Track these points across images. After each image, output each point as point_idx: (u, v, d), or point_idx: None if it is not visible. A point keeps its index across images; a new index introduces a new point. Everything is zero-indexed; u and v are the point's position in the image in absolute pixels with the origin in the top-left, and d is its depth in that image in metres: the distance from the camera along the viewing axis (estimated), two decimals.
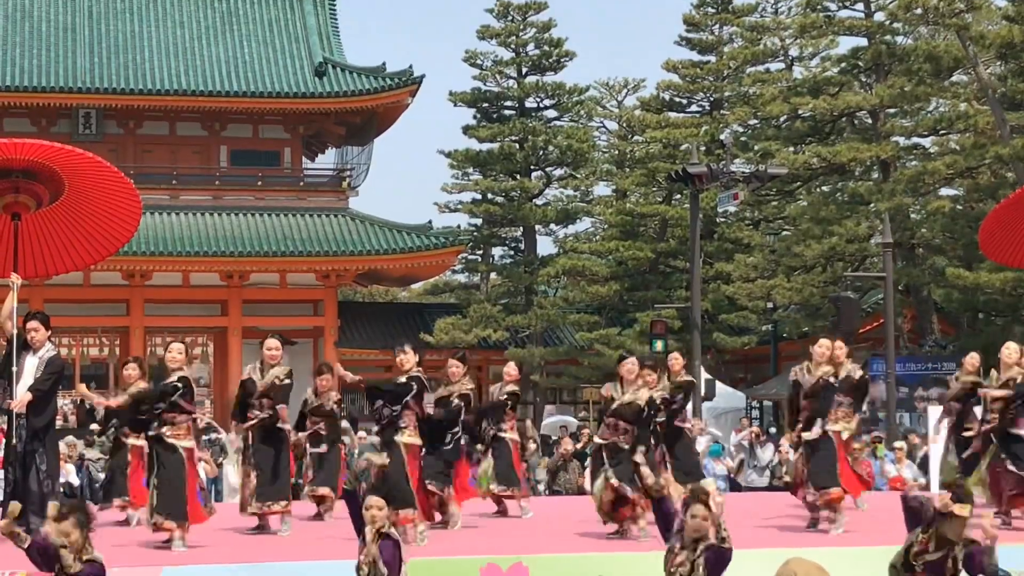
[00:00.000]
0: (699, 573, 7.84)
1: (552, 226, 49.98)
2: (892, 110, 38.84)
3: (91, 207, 12.57)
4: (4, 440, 12.03)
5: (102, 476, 16.92)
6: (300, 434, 14.36)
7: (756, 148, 41.36)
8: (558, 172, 48.33)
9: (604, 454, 12.29)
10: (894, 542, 11.40)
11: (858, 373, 13.63)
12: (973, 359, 14.62)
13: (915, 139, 40.09)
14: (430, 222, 43.62)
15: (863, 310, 37.27)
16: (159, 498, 11.61)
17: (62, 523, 7.80)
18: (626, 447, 12.16)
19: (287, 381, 12.81)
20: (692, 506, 7.92)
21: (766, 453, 23.49)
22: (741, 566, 8.36)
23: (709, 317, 41.14)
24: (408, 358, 11.94)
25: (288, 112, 44.49)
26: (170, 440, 11.71)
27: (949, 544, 8.12)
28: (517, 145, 46.24)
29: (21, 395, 11.70)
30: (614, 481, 12.01)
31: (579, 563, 10.83)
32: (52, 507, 8.11)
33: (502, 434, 14.60)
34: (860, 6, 39.63)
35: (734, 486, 21.44)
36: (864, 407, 14.13)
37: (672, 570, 7.90)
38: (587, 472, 19.39)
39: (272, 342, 12.87)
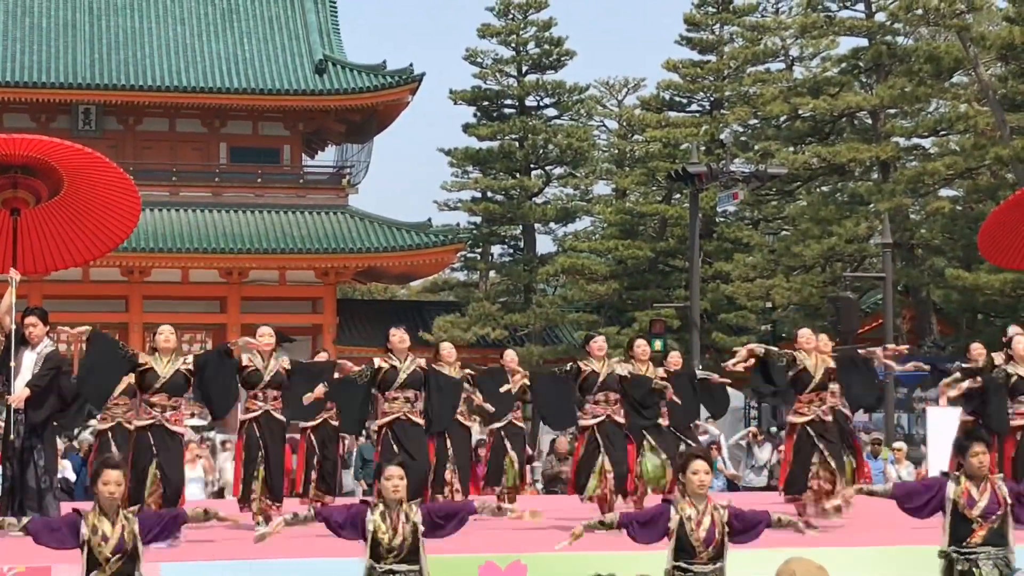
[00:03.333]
0: (724, 528, 7.92)
1: (551, 225, 49.99)
2: (892, 111, 38.84)
3: (90, 203, 12.55)
4: (2, 436, 12.00)
5: None
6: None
7: (756, 148, 41.37)
8: (558, 171, 48.36)
9: (599, 435, 12.54)
10: (894, 542, 11.40)
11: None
12: (979, 348, 14.49)
13: (915, 140, 40.11)
14: (429, 220, 43.62)
15: (862, 310, 37.30)
16: (166, 492, 11.36)
17: (114, 471, 7.68)
18: (621, 420, 12.64)
19: (289, 368, 12.80)
20: (692, 463, 7.94)
21: (764, 453, 23.50)
22: (740, 566, 8.34)
23: (708, 316, 41.13)
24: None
25: (288, 109, 44.49)
26: (173, 427, 11.52)
27: (982, 479, 8.22)
28: (517, 143, 46.24)
29: (19, 390, 11.69)
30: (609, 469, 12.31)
31: (577, 561, 10.79)
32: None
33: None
34: (861, 6, 39.66)
35: (731, 486, 21.44)
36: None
37: (697, 533, 7.89)
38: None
39: (265, 329, 12.60)
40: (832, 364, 13.01)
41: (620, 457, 12.60)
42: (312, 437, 14.48)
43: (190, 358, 11.58)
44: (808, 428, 12.72)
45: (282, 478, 12.78)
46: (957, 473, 8.32)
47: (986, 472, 8.25)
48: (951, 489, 8.24)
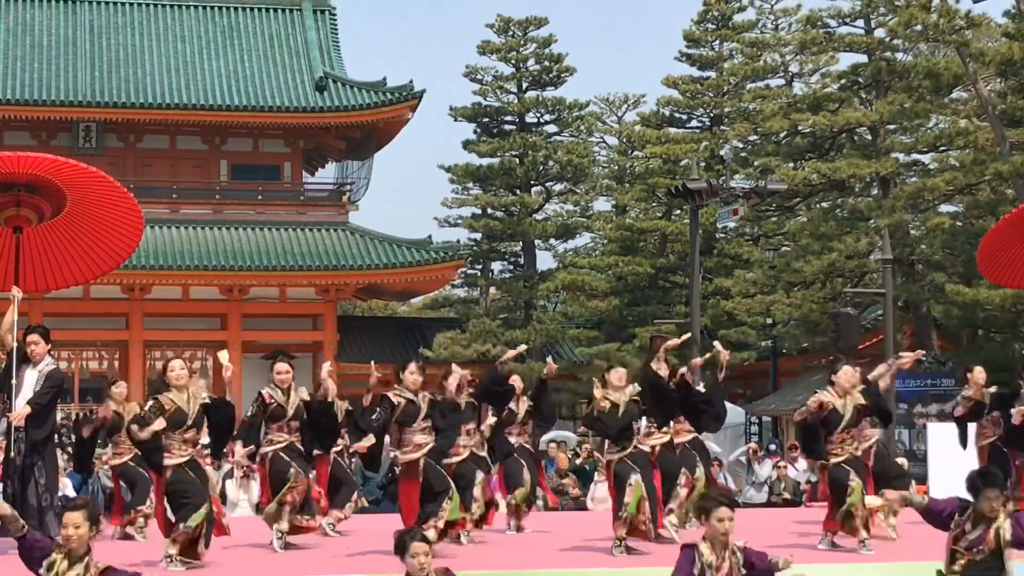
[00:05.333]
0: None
1: (552, 241, 50.04)
2: (892, 126, 38.85)
3: (93, 222, 12.53)
4: (3, 453, 11.99)
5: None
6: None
7: (756, 164, 41.35)
8: (558, 187, 48.42)
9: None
10: (895, 558, 11.40)
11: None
12: (980, 374, 14.37)
13: (915, 155, 40.09)
14: (430, 237, 43.65)
15: (862, 326, 37.21)
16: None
17: (72, 513, 7.59)
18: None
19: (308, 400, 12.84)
20: (716, 510, 7.85)
21: (764, 469, 23.48)
22: None
23: (708, 333, 41.06)
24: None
25: (288, 126, 44.53)
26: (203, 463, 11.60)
27: (986, 520, 8.22)
28: (517, 160, 46.29)
29: (20, 408, 11.68)
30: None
31: None
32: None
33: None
34: (860, 23, 39.69)
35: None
36: None
37: None
38: (595, 485, 19.46)
39: (282, 366, 12.62)
40: (863, 400, 12.48)
41: (650, 485, 12.37)
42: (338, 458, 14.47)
43: (204, 394, 11.53)
44: (844, 465, 12.38)
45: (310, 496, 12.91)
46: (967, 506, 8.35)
47: (996, 515, 8.25)
48: (958, 516, 8.35)
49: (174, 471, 11.27)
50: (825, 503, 12.63)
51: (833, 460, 12.21)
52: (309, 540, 13.29)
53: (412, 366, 12.25)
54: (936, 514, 8.51)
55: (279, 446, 12.53)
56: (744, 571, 7.89)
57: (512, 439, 14.56)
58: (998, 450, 14.09)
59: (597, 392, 12.27)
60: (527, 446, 14.83)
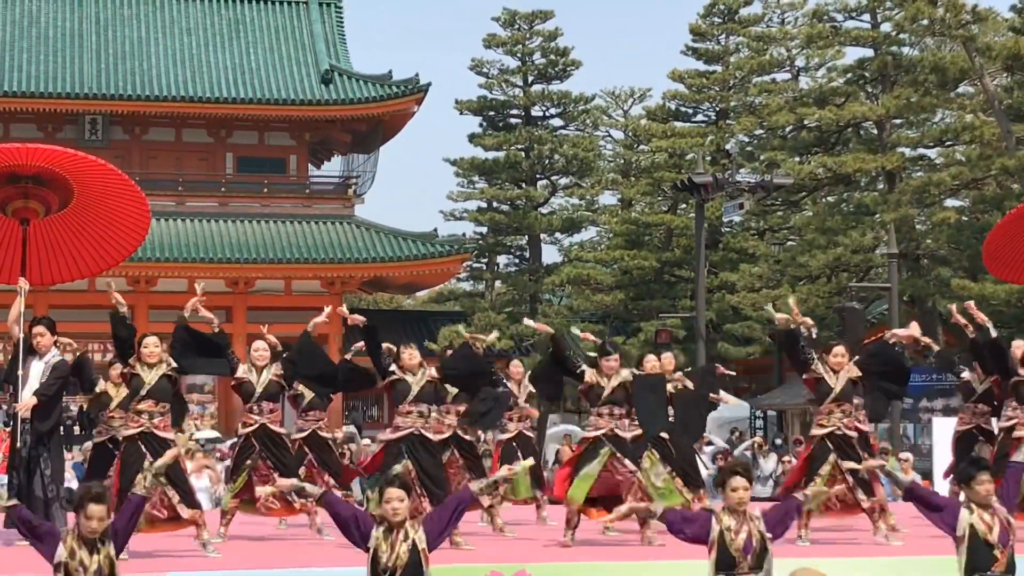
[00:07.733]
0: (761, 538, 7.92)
1: (557, 235, 49.99)
2: (898, 121, 38.83)
3: (100, 216, 12.50)
4: (9, 444, 12.03)
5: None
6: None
7: (762, 158, 41.33)
8: (563, 181, 48.38)
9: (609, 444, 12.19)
10: (899, 553, 11.40)
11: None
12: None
13: (921, 150, 40.08)
14: (435, 230, 43.63)
15: (868, 321, 37.24)
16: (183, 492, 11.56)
17: (97, 506, 7.60)
18: (627, 435, 12.18)
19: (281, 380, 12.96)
20: (730, 479, 7.96)
21: (769, 463, 23.49)
22: None
23: (714, 327, 41.11)
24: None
25: (294, 119, 44.55)
26: (162, 434, 11.66)
27: (990, 507, 8.16)
28: (523, 153, 46.28)
29: (26, 399, 11.71)
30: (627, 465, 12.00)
31: (584, 572, 10.80)
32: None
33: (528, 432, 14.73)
34: (867, 17, 39.67)
35: None
36: None
37: (736, 543, 7.87)
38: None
39: (259, 343, 13.11)
40: (856, 374, 12.44)
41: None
42: (304, 448, 14.35)
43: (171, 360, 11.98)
44: (827, 440, 12.32)
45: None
46: (966, 501, 8.21)
47: (992, 500, 8.16)
48: (966, 516, 8.08)
49: (127, 443, 11.59)
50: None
51: (819, 431, 12.25)
52: (304, 530, 13.32)
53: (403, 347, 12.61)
54: (929, 504, 8.35)
55: (250, 429, 12.69)
56: (770, 535, 7.94)
57: (511, 425, 14.53)
58: (969, 438, 14.15)
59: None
60: (528, 433, 14.80)
